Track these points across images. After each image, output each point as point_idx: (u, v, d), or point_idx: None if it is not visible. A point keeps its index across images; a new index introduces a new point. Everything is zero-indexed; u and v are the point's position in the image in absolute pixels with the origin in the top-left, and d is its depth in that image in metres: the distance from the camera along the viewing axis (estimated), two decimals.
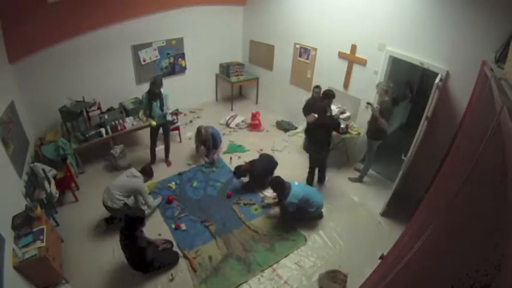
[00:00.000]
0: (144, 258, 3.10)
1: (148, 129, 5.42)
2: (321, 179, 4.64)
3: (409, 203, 3.32)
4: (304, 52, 5.53)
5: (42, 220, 3.05)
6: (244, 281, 3.22)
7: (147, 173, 3.92)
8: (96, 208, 3.83)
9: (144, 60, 5.69)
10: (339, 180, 4.76)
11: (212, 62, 6.76)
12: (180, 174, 4.82)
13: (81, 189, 4.42)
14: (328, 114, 4.16)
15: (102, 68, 5.18)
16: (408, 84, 5.75)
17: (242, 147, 5.57)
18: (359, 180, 4.71)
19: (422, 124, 3.35)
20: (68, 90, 4.84)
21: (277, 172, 4.65)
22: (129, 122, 5.13)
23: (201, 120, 6.38)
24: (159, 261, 3.25)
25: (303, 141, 5.23)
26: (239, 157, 5.28)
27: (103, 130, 4.78)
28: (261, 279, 3.25)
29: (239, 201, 4.27)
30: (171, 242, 3.55)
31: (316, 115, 4.01)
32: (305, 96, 5.37)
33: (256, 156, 4.95)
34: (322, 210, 4.00)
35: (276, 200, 4.06)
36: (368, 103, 4.22)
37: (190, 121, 6.38)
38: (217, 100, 7.36)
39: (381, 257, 2.60)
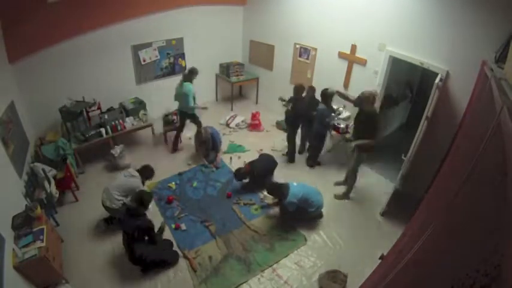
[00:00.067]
0: (146, 258, 3.12)
1: (149, 129, 5.43)
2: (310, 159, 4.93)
3: (409, 203, 3.32)
4: (304, 52, 5.54)
5: (42, 220, 3.05)
6: (244, 281, 3.22)
7: (146, 173, 3.88)
8: (96, 208, 3.83)
9: (144, 60, 5.69)
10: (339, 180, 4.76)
11: (212, 62, 6.76)
12: (180, 174, 4.82)
13: (81, 189, 4.42)
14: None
15: (102, 68, 5.18)
16: (408, 84, 5.75)
17: (242, 147, 5.57)
18: (345, 197, 4.37)
19: (422, 124, 3.35)
20: (68, 90, 4.84)
21: (277, 172, 4.66)
22: (129, 122, 5.13)
23: (201, 120, 6.36)
24: (159, 259, 3.25)
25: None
26: (239, 157, 5.29)
27: (103, 130, 4.79)
28: (261, 279, 3.25)
29: (239, 201, 4.27)
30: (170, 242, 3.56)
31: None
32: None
33: (256, 156, 4.95)
34: (322, 210, 3.99)
35: (276, 200, 4.05)
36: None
37: (190, 121, 6.36)
38: (217, 100, 7.36)
39: (381, 257, 2.60)
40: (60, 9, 4.28)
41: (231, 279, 3.22)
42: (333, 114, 4.68)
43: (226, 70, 6.68)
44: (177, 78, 6.26)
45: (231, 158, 5.26)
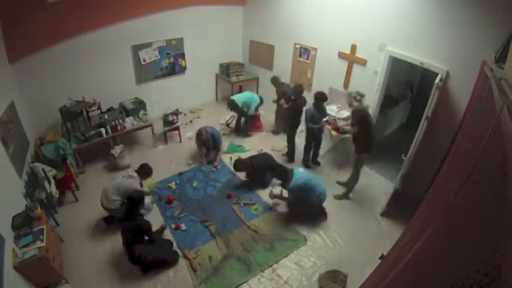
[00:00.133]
0: (145, 258, 3.13)
1: (149, 129, 5.46)
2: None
3: (409, 203, 3.32)
4: (304, 52, 5.53)
5: (42, 220, 3.05)
6: (244, 281, 3.22)
7: (144, 172, 3.88)
8: (96, 208, 3.83)
9: (144, 60, 5.69)
10: (338, 180, 4.76)
11: (212, 62, 6.76)
12: (180, 174, 4.82)
13: (81, 189, 4.42)
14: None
15: (102, 68, 5.19)
16: (408, 84, 5.75)
17: (242, 147, 5.57)
18: (344, 197, 4.37)
19: (422, 124, 3.35)
20: (68, 90, 4.84)
21: None
22: (129, 122, 5.13)
23: (201, 120, 6.38)
24: (159, 259, 3.26)
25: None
26: (239, 157, 5.28)
27: (103, 130, 4.79)
28: (261, 279, 3.25)
29: (239, 201, 4.27)
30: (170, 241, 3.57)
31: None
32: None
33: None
34: (325, 210, 3.99)
35: (279, 193, 4.03)
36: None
37: (190, 121, 6.38)
38: (217, 100, 7.36)
39: (381, 257, 2.60)
40: (60, 9, 4.28)
41: (231, 279, 3.22)
42: (324, 119, 4.64)
43: (226, 70, 6.68)
44: (177, 78, 6.30)
45: (231, 158, 5.25)
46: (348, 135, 4.81)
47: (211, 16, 6.20)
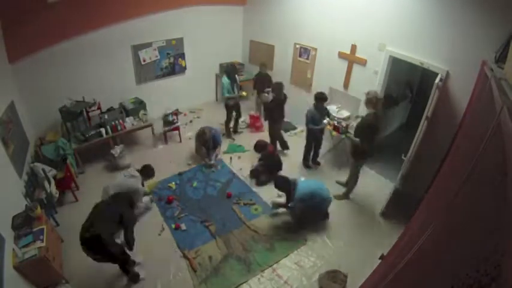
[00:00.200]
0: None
1: (149, 129, 5.44)
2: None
3: (409, 203, 3.32)
4: (304, 52, 5.53)
5: (42, 220, 3.06)
6: (244, 281, 3.22)
7: (146, 173, 3.90)
8: None
9: (144, 60, 5.69)
10: (338, 180, 4.76)
11: (212, 62, 6.76)
12: (180, 174, 4.82)
13: (81, 189, 4.42)
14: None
15: (102, 68, 5.19)
16: (408, 84, 5.75)
17: (242, 147, 5.57)
18: (344, 197, 4.39)
19: (422, 124, 3.36)
20: (68, 90, 4.84)
21: None
22: (129, 122, 5.13)
23: (201, 120, 6.38)
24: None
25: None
26: (239, 157, 5.29)
27: (103, 130, 4.79)
28: (261, 279, 3.25)
29: (239, 201, 4.27)
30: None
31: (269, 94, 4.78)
32: (307, 97, 5.38)
33: (256, 155, 4.97)
34: (327, 211, 3.98)
35: (283, 202, 3.98)
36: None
37: (190, 121, 6.38)
38: (217, 100, 7.36)
39: (381, 257, 2.60)
40: (60, 9, 4.29)
41: (231, 279, 3.22)
42: (325, 121, 4.55)
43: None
44: (177, 78, 6.30)
45: (231, 158, 5.26)
46: (348, 135, 4.81)
47: (211, 16, 6.20)
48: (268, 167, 4.66)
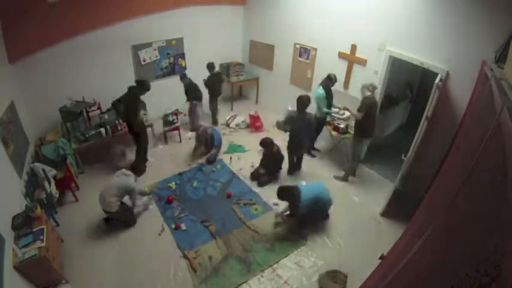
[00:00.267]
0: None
1: (149, 129, 5.45)
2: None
3: (409, 203, 3.32)
4: (304, 52, 5.54)
5: (42, 220, 3.05)
6: (244, 281, 3.22)
7: (137, 169, 3.92)
8: (96, 208, 3.82)
9: (144, 60, 5.69)
10: (338, 180, 4.76)
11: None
12: (180, 174, 4.82)
13: (81, 189, 4.42)
14: None
15: (102, 68, 5.19)
16: (408, 84, 5.75)
17: (242, 147, 5.57)
18: (344, 179, 4.68)
19: (422, 124, 3.35)
20: (68, 90, 4.84)
21: None
22: None
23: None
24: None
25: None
26: (239, 157, 5.29)
27: (103, 130, 4.79)
28: (261, 279, 3.25)
29: (239, 201, 4.27)
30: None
31: None
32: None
33: (256, 155, 4.98)
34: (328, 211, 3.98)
35: (287, 212, 3.94)
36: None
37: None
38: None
39: (381, 257, 2.60)
40: (60, 9, 4.28)
41: (231, 279, 3.22)
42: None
43: (226, 70, 6.68)
44: (177, 78, 6.28)
45: (231, 158, 5.26)
46: (348, 135, 4.82)
47: (211, 16, 6.21)
48: (268, 168, 4.66)
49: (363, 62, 4.56)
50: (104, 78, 5.28)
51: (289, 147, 4.57)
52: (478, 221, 1.05)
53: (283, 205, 3.96)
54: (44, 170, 3.74)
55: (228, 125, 6.26)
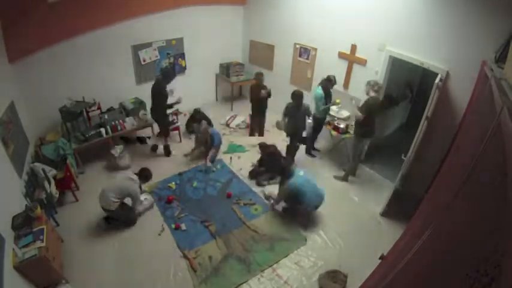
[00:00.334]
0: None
1: (149, 129, 5.44)
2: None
3: (409, 203, 3.32)
4: (304, 52, 5.54)
5: (42, 220, 3.05)
6: (244, 281, 3.22)
7: (145, 176, 3.90)
8: (96, 208, 3.82)
9: (144, 60, 5.69)
10: (338, 180, 4.76)
11: (212, 62, 6.76)
12: (180, 174, 4.82)
13: (81, 189, 4.42)
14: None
15: (102, 68, 5.18)
16: (408, 85, 5.75)
17: (242, 147, 5.57)
18: (344, 179, 4.70)
19: (422, 124, 3.35)
20: (68, 90, 4.84)
21: None
22: (129, 122, 5.13)
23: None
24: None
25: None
26: (239, 157, 5.28)
27: (103, 130, 4.79)
28: (261, 279, 3.25)
29: (239, 201, 4.27)
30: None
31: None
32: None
33: (256, 155, 4.96)
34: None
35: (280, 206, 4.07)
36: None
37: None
38: (217, 100, 7.36)
39: (381, 257, 2.60)
40: (60, 9, 4.28)
41: (231, 279, 3.22)
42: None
43: (226, 70, 6.68)
44: (177, 78, 6.27)
45: (231, 158, 5.26)
46: (348, 135, 4.82)
47: (211, 16, 6.20)
48: (269, 167, 4.66)
49: (363, 62, 4.56)
50: (103, 78, 5.28)
51: (290, 135, 4.85)
52: (478, 221, 1.05)
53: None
54: (44, 170, 3.74)
55: (228, 125, 6.26)
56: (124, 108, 5.36)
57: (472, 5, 3.16)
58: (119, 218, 3.73)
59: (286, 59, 5.95)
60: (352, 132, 4.80)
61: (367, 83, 4.07)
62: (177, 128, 5.64)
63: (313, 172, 4.96)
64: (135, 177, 3.78)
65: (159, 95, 4.67)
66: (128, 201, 3.80)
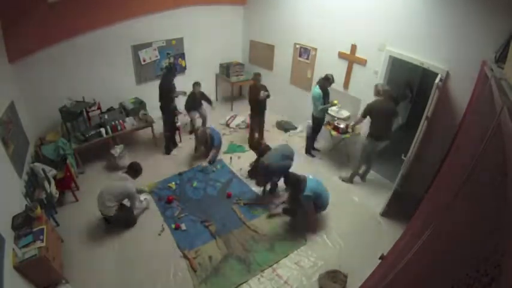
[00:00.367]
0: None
1: (149, 129, 5.44)
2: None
3: (409, 203, 3.32)
4: (304, 52, 5.54)
5: (42, 220, 3.05)
6: (244, 281, 3.22)
7: (134, 170, 3.81)
8: (96, 208, 3.82)
9: (144, 60, 5.69)
10: (339, 180, 4.77)
11: (212, 62, 6.76)
12: (180, 174, 4.82)
13: (81, 189, 4.42)
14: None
15: (102, 68, 5.19)
16: (408, 85, 5.75)
17: (242, 147, 5.57)
18: (350, 180, 4.69)
19: (422, 124, 3.35)
20: (68, 90, 4.84)
21: None
22: (129, 122, 5.13)
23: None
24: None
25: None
26: (239, 157, 5.29)
27: (103, 130, 4.79)
28: (261, 279, 3.25)
29: (239, 201, 4.27)
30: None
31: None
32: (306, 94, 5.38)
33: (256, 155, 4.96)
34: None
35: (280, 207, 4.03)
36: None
37: (191, 121, 6.37)
38: (217, 100, 7.36)
39: (381, 257, 2.60)
40: (60, 9, 4.29)
41: (231, 279, 3.22)
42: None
43: (226, 70, 6.68)
44: (177, 78, 6.28)
45: (231, 158, 5.26)
46: (347, 135, 4.82)
47: (211, 16, 6.20)
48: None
49: (363, 62, 4.56)
50: (103, 78, 5.28)
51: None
52: (478, 221, 1.05)
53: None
54: (44, 170, 3.74)
55: (228, 125, 6.26)
56: (124, 108, 5.36)
57: (472, 5, 3.16)
58: (118, 220, 3.72)
59: (286, 59, 5.95)
60: (351, 132, 4.81)
61: (375, 85, 4.12)
62: (177, 128, 5.63)
63: (313, 172, 4.97)
64: (126, 175, 3.74)
65: (167, 86, 4.87)
66: (126, 202, 3.80)
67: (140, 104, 5.47)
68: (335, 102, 4.78)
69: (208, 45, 6.46)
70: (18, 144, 3.74)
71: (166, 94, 4.89)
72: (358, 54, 4.60)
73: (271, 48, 6.27)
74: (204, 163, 4.98)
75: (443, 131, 3.62)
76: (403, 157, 3.56)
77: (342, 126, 4.82)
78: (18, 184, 3.43)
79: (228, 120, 6.32)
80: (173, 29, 5.82)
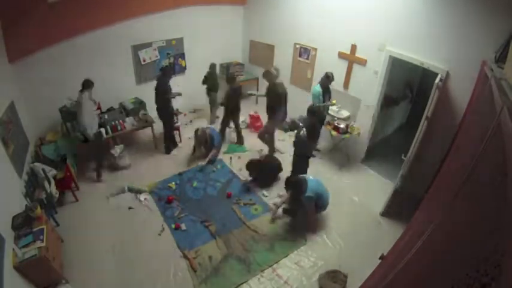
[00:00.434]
0: None
1: (149, 129, 5.44)
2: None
3: (409, 203, 3.32)
4: (304, 52, 5.54)
5: (42, 220, 3.05)
6: (244, 281, 3.22)
7: (87, 85, 4.23)
8: (96, 208, 3.84)
9: (144, 60, 5.69)
10: (339, 180, 4.76)
11: (212, 62, 6.74)
12: (180, 174, 4.82)
13: (81, 189, 4.42)
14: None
15: (102, 68, 5.18)
16: (408, 85, 5.75)
17: (242, 147, 5.57)
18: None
19: (422, 124, 3.35)
20: (68, 90, 4.82)
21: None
22: (129, 122, 5.13)
23: (201, 120, 6.38)
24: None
25: None
26: (239, 157, 5.28)
27: (103, 130, 4.78)
28: (261, 279, 3.25)
29: (239, 201, 4.27)
30: None
31: None
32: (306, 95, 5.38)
33: (256, 155, 4.97)
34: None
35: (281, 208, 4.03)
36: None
37: (191, 121, 6.38)
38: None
39: (381, 257, 2.60)
40: (60, 9, 4.28)
41: (231, 279, 3.22)
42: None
43: (226, 70, 6.68)
44: (177, 78, 6.28)
45: (231, 158, 5.26)
46: (347, 135, 4.82)
47: (211, 16, 6.20)
48: (265, 175, 4.65)
49: (363, 62, 4.56)
50: (103, 78, 5.26)
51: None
52: (478, 221, 1.05)
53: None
54: (44, 170, 3.74)
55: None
56: (124, 108, 5.36)
57: (472, 5, 3.16)
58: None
59: (286, 59, 5.95)
60: (351, 132, 4.80)
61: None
62: (177, 128, 5.63)
63: (313, 172, 4.97)
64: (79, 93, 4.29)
65: (162, 87, 4.81)
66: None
67: (140, 104, 5.46)
68: (333, 102, 4.78)
69: (208, 45, 6.46)
70: (18, 144, 3.74)
71: (162, 95, 4.88)
72: (358, 54, 4.60)
73: (271, 48, 6.27)
74: (201, 163, 4.97)
75: (443, 131, 3.62)
76: (403, 157, 3.56)
77: (342, 126, 4.82)
78: (18, 184, 3.43)
79: None
80: (173, 29, 5.82)
